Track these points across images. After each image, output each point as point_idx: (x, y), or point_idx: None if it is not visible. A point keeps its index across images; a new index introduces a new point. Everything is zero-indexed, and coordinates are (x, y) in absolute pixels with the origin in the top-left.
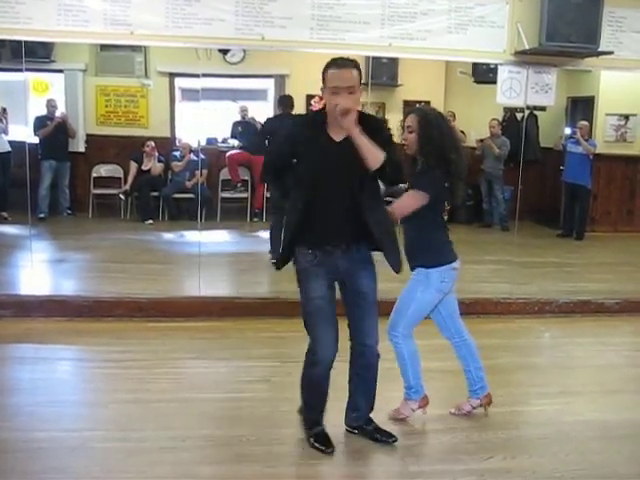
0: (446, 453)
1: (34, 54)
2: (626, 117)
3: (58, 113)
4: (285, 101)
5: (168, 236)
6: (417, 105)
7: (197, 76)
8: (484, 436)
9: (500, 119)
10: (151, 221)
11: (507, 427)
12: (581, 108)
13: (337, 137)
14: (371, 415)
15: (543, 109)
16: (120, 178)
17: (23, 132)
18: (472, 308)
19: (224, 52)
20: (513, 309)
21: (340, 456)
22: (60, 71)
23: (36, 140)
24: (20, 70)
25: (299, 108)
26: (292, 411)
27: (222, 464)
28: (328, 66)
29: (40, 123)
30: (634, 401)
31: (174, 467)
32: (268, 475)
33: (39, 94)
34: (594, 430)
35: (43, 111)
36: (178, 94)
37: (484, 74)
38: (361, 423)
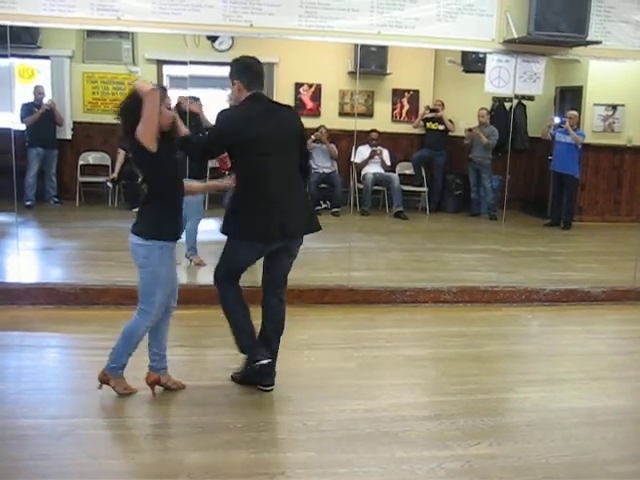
0: (433, 439)
1: (19, 39)
2: (614, 107)
3: (45, 100)
4: None
5: None
6: (406, 94)
7: (185, 63)
8: (470, 423)
9: (489, 108)
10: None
11: (493, 414)
12: (569, 98)
13: None
14: None
15: (532, 99)
16: (107, 166)
17: (8, 119)
18: (459, 296)
19: (212, 39)
20: (500, 297)
21: (327, 442)
22: (46, 57)
23: (22, 127)
24: (5, 56)
25: (288, 96)
26: (279, 398)
27: (209, 451)
28: None
29: (27, 110)
30: (618, 388)
31: (161, 454)
32: (255, 461)
33: (25, 81)
34: (579, 417)
35: (30, 98)
36: (166, 81)
37: (473, 63)
38: None
